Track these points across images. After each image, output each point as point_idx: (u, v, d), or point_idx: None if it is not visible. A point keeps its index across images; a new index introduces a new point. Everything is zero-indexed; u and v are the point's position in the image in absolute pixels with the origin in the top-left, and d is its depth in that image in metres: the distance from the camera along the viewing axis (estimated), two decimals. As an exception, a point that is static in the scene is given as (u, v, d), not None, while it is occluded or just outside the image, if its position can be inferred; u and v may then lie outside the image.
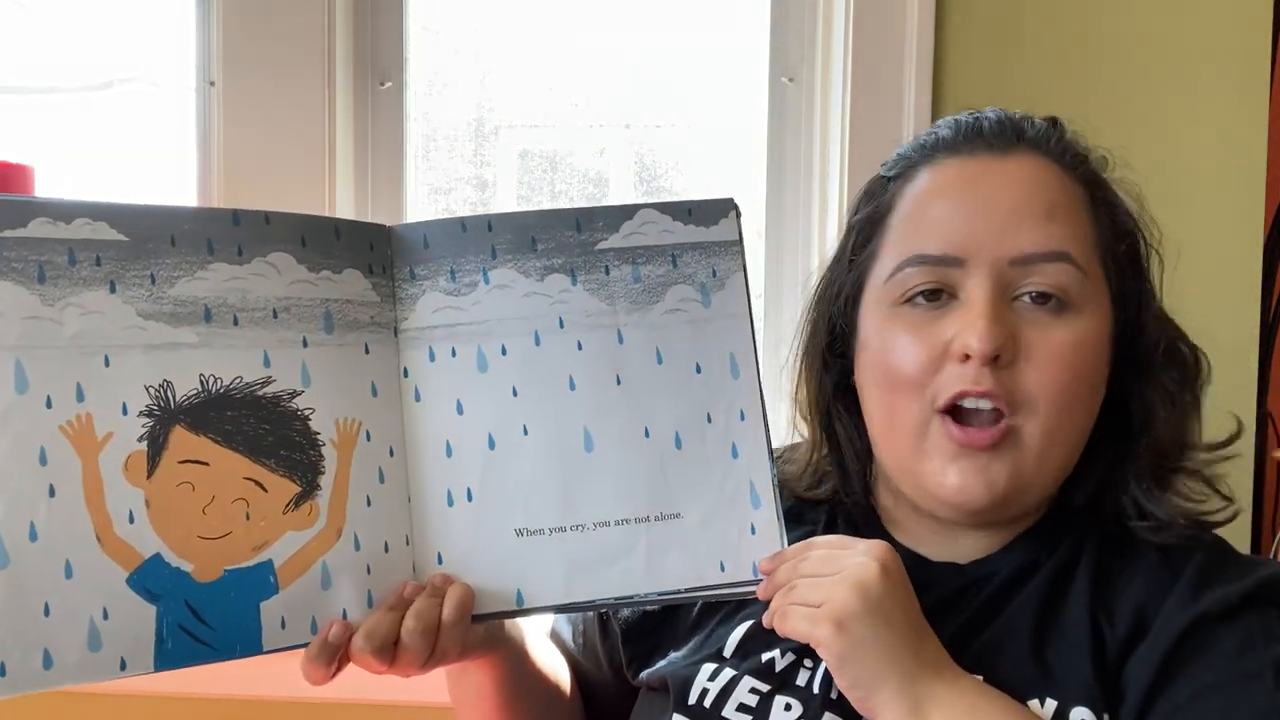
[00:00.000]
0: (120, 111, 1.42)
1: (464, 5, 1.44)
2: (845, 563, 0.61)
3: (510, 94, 1.45)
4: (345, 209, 1.35)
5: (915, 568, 0.69)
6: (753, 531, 0.67)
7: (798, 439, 0.82)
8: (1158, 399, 0.69)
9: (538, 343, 0.67)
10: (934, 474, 0.66)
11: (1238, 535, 1.18)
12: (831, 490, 0.77)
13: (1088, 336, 0.65)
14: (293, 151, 1.30)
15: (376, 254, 0.66)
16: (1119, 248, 0.69)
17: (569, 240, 0.68)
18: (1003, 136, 0.69)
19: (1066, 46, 1.25)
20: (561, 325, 0.67)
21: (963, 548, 0.71)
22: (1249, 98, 1.24)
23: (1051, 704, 0.62)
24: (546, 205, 1.46)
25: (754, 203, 1.41)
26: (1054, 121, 0.72)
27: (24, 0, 1.43)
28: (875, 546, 0.62)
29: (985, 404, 0.64)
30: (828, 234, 1.33)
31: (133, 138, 1.41)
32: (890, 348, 0.68)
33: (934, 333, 0.65)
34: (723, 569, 0.66)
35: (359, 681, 1.17)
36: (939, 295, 0.66)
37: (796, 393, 0.79)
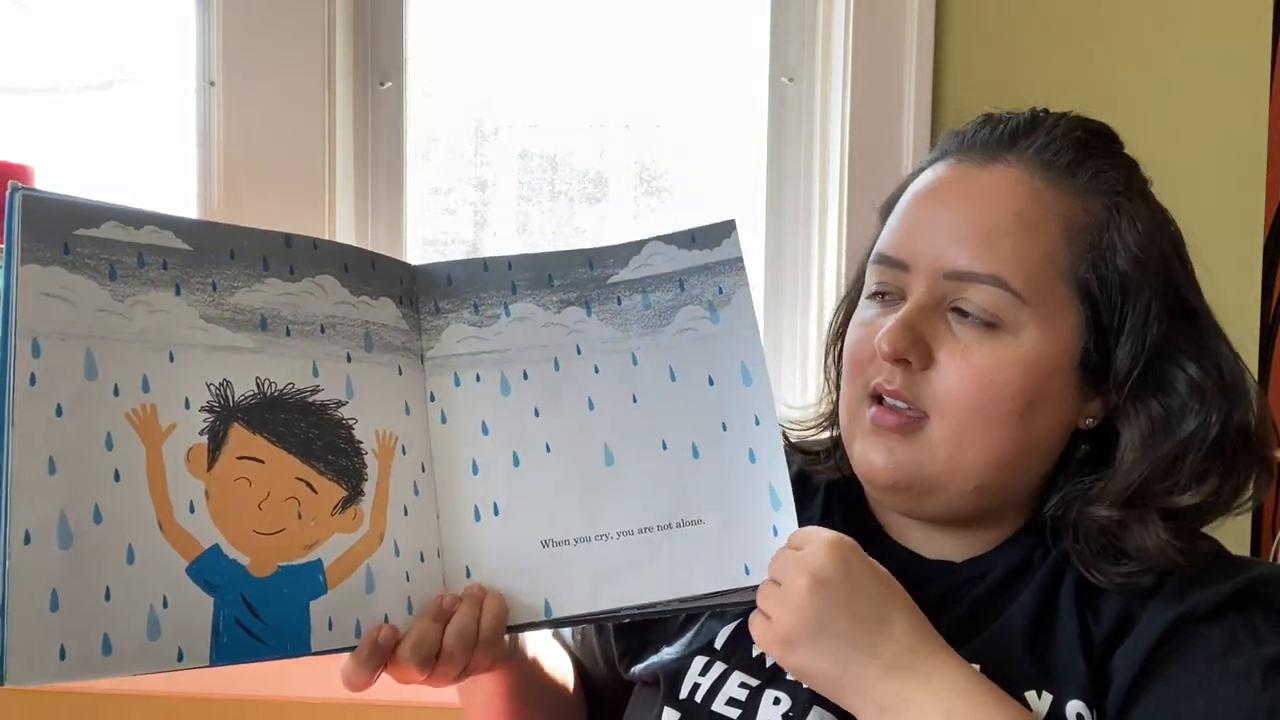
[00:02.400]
0: (120, 111, 1.42)
1: (464, 5, 1.44)
2: (788, 573, 0.62)
3: (510, 94, 1.45)
4: (345, 209, 1.35)
5: (910, 565, 0.71)
6: (775, 533, 0.68)
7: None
8: (1131, 433, 0.67)
9: (557, 368, 0.70)
10: (858, 450, 0.70)
11: (1238, 535, 1.19)
12: (829, 444, 0.80)
13: (1017, 359, 0.65)
14: (293, 151, 1.30)
15: (404, 288, 0.70)
16: (1105, 272, 0.66)
17: (583, 276, 0.72)
18: (990, 146, 0.69)
19: (1066, 46, 1.25)
20: (579, 352, 0.70)
21: (951, 546, 0.72)
22: (1249, 98, 1.24)
23: (1048, 697, 0.63)
24: (546, 205, 1.46)
25: (754, 203, 1.41)
26: (1066, 131, 0.69)
27: (24, 0, 1.43)
28: (813, 553, 0.61)
29: (898, 402, 0.67)
30: (828, 233, 1.33)
31: (133, 138, 1.41)
32: (851, 335, 0.72)
33: (878, 327, 0.68)
34: (747, 572, 0.67)
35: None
36: (893, 294, 0.69)
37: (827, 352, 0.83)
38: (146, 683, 1.20)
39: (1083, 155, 0.68)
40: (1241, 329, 1.24)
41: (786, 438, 0.83)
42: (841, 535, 0.62)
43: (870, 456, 0.69)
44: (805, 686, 0.66)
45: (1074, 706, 0.63)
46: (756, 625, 0.63)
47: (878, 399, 0.68)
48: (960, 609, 0.69)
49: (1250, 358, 1.25)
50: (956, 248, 0.66)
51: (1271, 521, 1.26)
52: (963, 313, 0.66)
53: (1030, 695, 0.63)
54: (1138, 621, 0.64)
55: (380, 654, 0.61)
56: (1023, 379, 0.65)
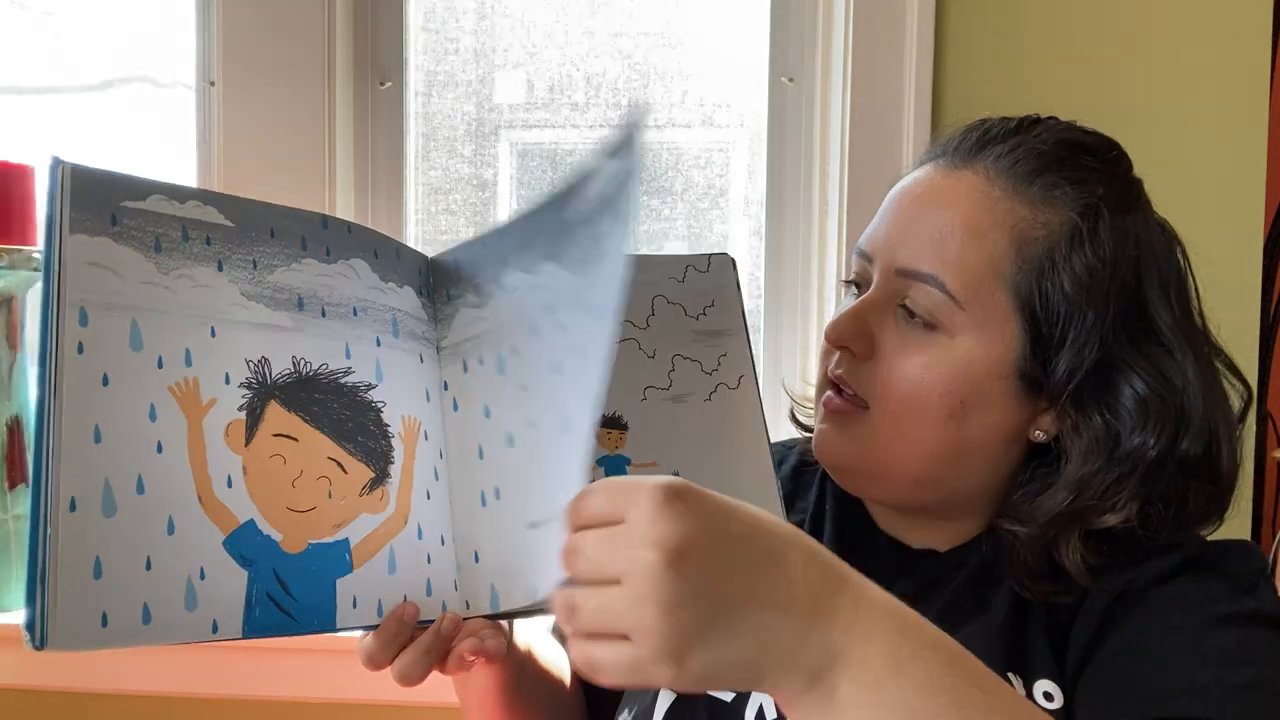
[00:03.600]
0: (120, 111, 1.42)
1: (464, 5, 1.44)
2: (624, 559, 0.44)
3: (510, 94, 1.45)
4: (345, 209, 1.35)
5: (898, 554, 0.75)
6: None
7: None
8: (1075, 448, 0.67)
9: (535, 334, 0.65)
10: (816, 432, 0.74)
11: (1238, 535, 1.18)
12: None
13: (949, 360, 0.67)
14: (293, 151, 1.30)
15: (423, 278, 0.71)
16: (1047, 288, 0.66)
17: (551, 221, 0.65)
18: (962, 151, 0.71)
19: (1066, 46, 1.25)
20: (552, 311, 0.64)
21: (933, 536, 0.74)
22: (1249, 98, 1.24)
23: (1018, 680, 0.65)
24: (546, 205, 1.46)
25: (754, 202, 1.41)
26: (1038, 142, 0.69)
27: (24, 0, 1.43)
28: (644, 516, 0.44)
29: (846, 389, 0.71)
30: (828, 234, 1.33)
31: (133, 138, 1.41)
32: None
33: None
34: None
35: (359, 681, 1.17)
36: (862, 285, 0.73)
37: None
38: (144, 683, 1.20)
39: (1043, 167, 0.68)
40: (1241, 329, 1.24)
41: (797, 419, 0.86)
42: (661, 478, 0.45)
43: (823, 439, 0.72)
44: None
45: (1041, 686, 0.64)
46: (603, 663, 0.44)
47: (835, 386, 0.72)
48: (945, 596, 0.70)
49: (1250, 358, 1.25)
50: (908, 246, 0.69)
51: (1271, 521, 1.26)
52: (908, 311, 0.68)
53: (1010, 677, 0.65)
54: (1092, 593, 0.66)
55: (406, 631, 0.62)
56: (951, 380, 0.67)
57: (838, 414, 0.71)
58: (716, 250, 0.76)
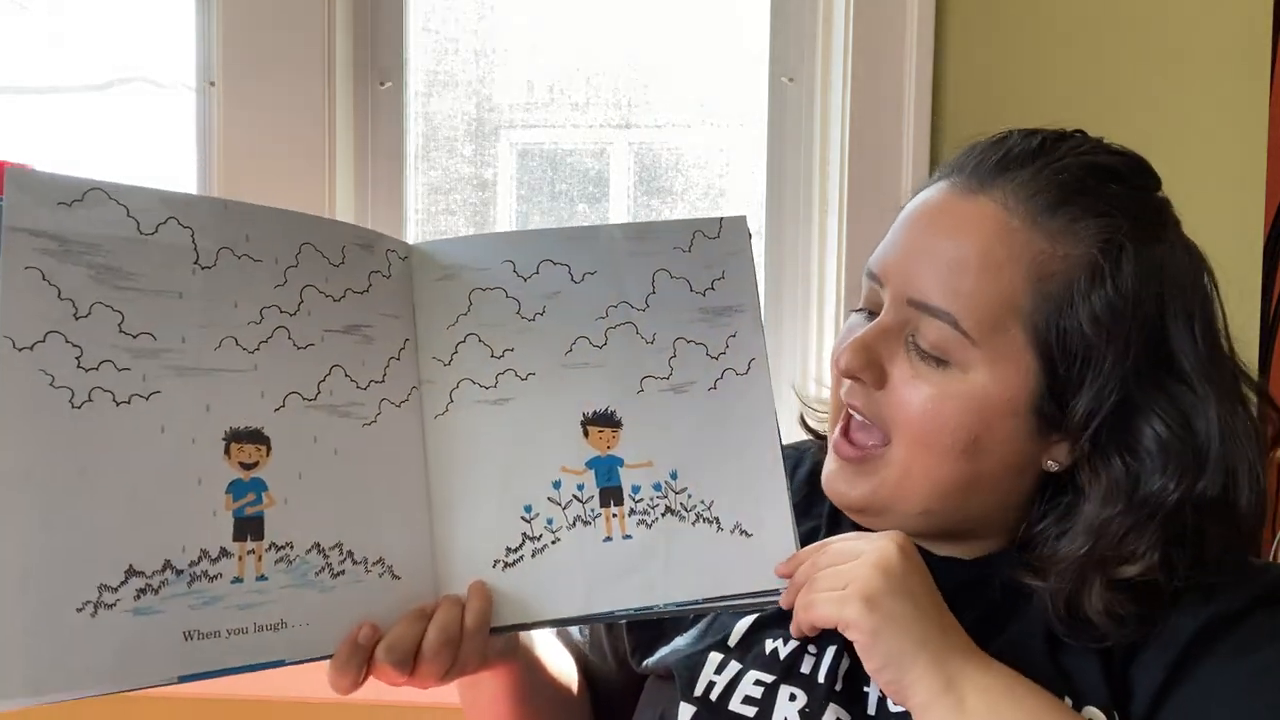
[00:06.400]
0: (120, 111, 1.42)
1: (464, 5, 1.44)
2: (863, 548, 0.62)
3: (510, 94, 1.45)
4: (345, 209, 1.35)
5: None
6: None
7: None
8: (1094, 490, 0.65)
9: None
10: (825, 468, 0.72)
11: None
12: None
13: (962, 395, 0.65)
14: (293, 151, 1.30)
15: None
16: (1065, 325, 0.64)
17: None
18: (981, 173, 0.67)
19: (1066, 46, 1.25)
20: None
21: (952, 550, 0.72)
22: (1249, 98, 1.24)
23: (1068, 701, 0.63)
24: (546, 205, 1.46)
25: (754, 202, 1.41)
26: (1062, 168, 0.66)
27: (24, 0, 1.43)
28: (890, 533, 0.63)
29: (859, 417, 0.69)
30: (828, 234, 1.33)
31: (133, 138, 1.41)
32: (834, 347, 0.73)
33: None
34: (743, 577, 0.67)
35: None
36: (874, 310, 0.70)
37: None
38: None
39: (1065, 197, 0.65)
40: (1241, 329, 1.24)
41: (807, 424, 0.85)
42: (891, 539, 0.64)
43: (833, 481, 0.71)
44: (821, 682, 0.66)
45: (1088, 712, 0.62)
46: (819, 603, 0.61)
47: (846, 417, 0.70)
48: (982, 606, 0.68)
49: (1250, 358, 1.24)
50: (921, 276, 0.66)
51: (1272, 521, 1.26)
52: (916, 344, 0.66)
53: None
54: (1158, 631, 0.63)
55: (362, 654, 0.61)
56: (963, 415, 0.65)
57: (849, 462, 0.69)
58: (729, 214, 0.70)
